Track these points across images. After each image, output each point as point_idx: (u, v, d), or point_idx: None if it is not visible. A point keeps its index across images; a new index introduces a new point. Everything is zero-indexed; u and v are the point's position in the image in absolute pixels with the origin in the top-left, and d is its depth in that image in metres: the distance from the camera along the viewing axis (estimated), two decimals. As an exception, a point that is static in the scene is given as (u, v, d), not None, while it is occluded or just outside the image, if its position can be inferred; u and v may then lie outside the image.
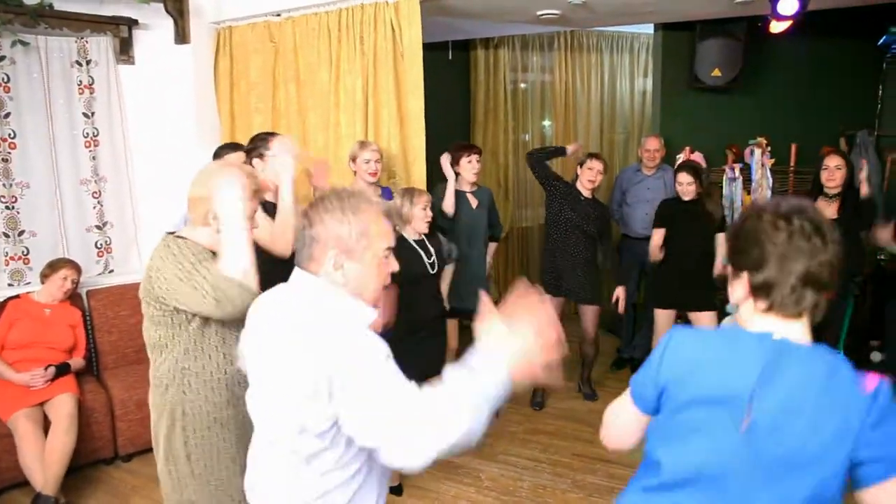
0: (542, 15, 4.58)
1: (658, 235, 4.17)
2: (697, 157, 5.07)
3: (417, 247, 3.32)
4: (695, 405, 1.29)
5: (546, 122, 6.50)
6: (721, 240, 4.06)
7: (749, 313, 1.33)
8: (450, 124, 5.91)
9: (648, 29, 5.92)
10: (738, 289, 1.34)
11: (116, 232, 4.31)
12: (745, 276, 1.31)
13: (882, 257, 4.97)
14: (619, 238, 5.13)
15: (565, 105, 6.36)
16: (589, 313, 4.36)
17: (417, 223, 3.28)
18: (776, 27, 4.69)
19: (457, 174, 4.04)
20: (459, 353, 4.01)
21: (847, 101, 5.83)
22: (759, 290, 1.29)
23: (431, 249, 3.39)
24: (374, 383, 1.34)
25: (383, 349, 1.39)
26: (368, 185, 3.62)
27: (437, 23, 4.76)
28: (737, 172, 5.20)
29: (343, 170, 3.88)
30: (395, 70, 3.80)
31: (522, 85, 6.41)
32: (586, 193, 4.25)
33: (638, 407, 1.42)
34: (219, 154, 3.43)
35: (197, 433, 2.05)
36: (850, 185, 3.86)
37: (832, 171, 3.82)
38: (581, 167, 4.27)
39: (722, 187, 5.20)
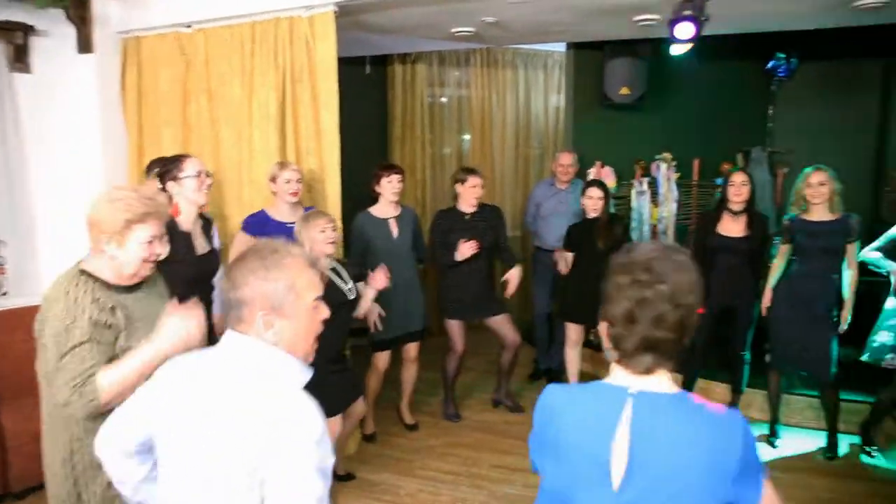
0: (457, 32, 4.67)
1: (565, 258, 4.37)
2: (608, 171, 5.28)
3: (331, 273, 3.23)
4: (571, 464, 1.33)
5: (466, 136, 6.59)
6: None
7: (613, 362, 1.38)
8: (367, 140, 5.91)
9: (561, 47, 6.14)
10: (603, 339, 1.39)
11: (11, 251, 4.06)
12: (604, 325, 1.37)
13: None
14: (533, 250, 5.27)
15: (482, 120, 6.49)
16: (504, 322, 4.43)
17: (319, 247, 3.13)
18: (677, 49, 4.96)
19: (378, 194, 4.03)
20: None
21: (743, 119, 6.24)
22: (616, 339, 1.35)
23: (345, 275, 3.33)
24: (300, 480, 1.30)
25: (317, 428, 1.34)
26: (290, 205, 3.58)
27: (353, 37, 4.77)
28: (645, 186, 5.45)
29: (257, 185, 3.82)
30: (310, 85, 3.78)
31: (440, 100, 6.49)
32: (470, 209, 4.27)
33: (537, 469, 1.45)
34: (150, 168, 3.34)
35: (87, 473, 1.94)
36: (752, 201, 4.10)
37: (738, 188, 4.01)
38: (462, 185, 4.27)
39: (631, 200, 5.44)
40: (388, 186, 4.01)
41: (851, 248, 3.84)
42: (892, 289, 3.95)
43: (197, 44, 4.01)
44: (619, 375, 1.36)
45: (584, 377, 4.46)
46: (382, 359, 4.11)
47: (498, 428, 4.38)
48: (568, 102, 5.80)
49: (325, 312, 1.53)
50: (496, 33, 4.78)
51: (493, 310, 4.37)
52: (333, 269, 3.26)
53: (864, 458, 4.02)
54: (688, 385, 4.45)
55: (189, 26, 4.03)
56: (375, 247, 3.99)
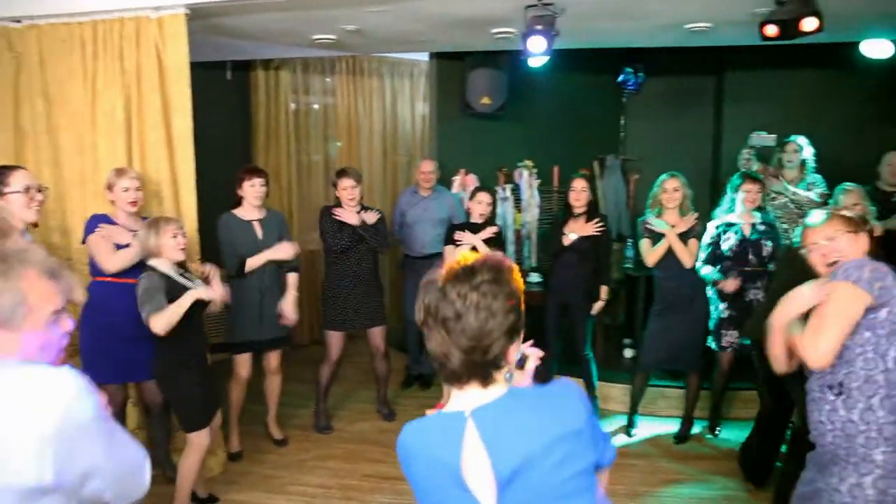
0: (319, 39, 4.62)
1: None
2: (471, 178, 5.41)
3: (181, 279, 3.12)
4: (444, 495, 1.32)
5: (338, 143, 6.51)
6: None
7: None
8: (229, 147, 5.71)
9: (426, 56, 6.23)
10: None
11: None
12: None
13: (628, 265, 5.66)
14: (402, 257, 5.30)
15: (349, 128, 6.45)
16: (379, 332, 4.43)
17: (170, 252, 3.07)
18: (534, 61, 5.18)
19: (240, 198, 3.91)
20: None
21: (598, 129, 6.62)
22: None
23: (196, 280, 3.23)
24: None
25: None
26: (129, 215, 3.38)
27: (211, 41, 4.59)
28: (508, 193, 5.64)
29: (104, 197, 3.57)
30: (160, 90, 3.59)
31: (306, 107, 6.38)
32: (353, 219, 4.21)
33: None
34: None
35: None
36: (595, 206, 4.36)
37: (578, 193, 4.32)
38: (336, 188, 4.26)
39: (495, 207, 5.60)
40: (251, 190, 3.90)
41: (693, 244, 4.16)
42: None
43: (28, 41, 3.68)
44: (455, 400, 1.36)
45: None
46: (244, 365, 3.98)
47: (370, 437, 4.35)
48: (432, 111, 5.90)
49: (67, 324, 1.42)
50: (358, 41, 4.77)
51: (377, 320, 4.37)
52: (183, 275, 3.15)
53: (710, 438, 4.39)
54: (543, 381, 4.63)
55: (18, 21, 3.69)
56: (239, 249, 3.87)
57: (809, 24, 3.24)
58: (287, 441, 4.28)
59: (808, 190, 4.68)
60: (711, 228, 4.17)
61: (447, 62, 5.71)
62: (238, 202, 3.96)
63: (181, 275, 3.13)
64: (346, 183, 4.19)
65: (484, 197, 4.34)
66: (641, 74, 6.57)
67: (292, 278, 4.07)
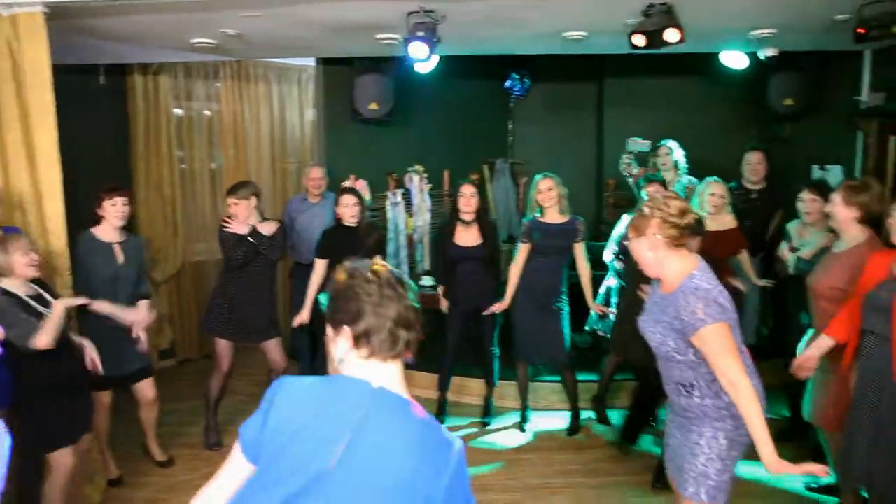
0: (197, 43, 4.45)
1: (321, 266, 4.29)
2: (361, 184, 5.38)
3: (34, 302, 2.95)
4: (293, 447, 1.36)
5: (231, 152, 6.29)
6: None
7: (351, 362, 1.45)
8: (105, 155, 5.39)
9: (314, 62, 6.15)
10: (341, 343, 1.45)
11: None
12: (346, 329, 1.43)
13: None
14: (292, 265, 5.21)
15: (235, 135, 6.25)
16: (275, 346, 4.30)
17: (22, 270, 2.90)
18: (421, 67, 5.25)
19: (101, 218, 3.66)
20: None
21: (487, 133, 6.77)
22: (361, 339, 1.42)
23: (49, 297, 3.04)
24: None
25: None
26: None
27: (81, 43, 4.32)
28: (399, 197, 5.66)
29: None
30: (17, 94, 3.33)
31: (192, 113, 6.13)
32: (251, 220, 4.12)
33: (247, 456, 1.43)
34: None
35: None
36: (484, 211, 4.45)
37: (468, 199, 4.36)
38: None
39: (386, 212, 5.61)
40: (112, 210, 3.64)
41: (579, 248, 4.33)
42: (616, 287, 4.54)
43: None
44: (360, 371, 1.43)
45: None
46: (102, 395, 3.69)
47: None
48: (319, 117, 5.83)
49: None
50: (240, 46, 4.64)
51: (267, 334, 4.23)
52: (37, 297, 2.98)
53: (599, 428, 4.58)
54: (443, 384, 4.71)
55: None
56: (97, 272, 3.59)
57: (672, 35, 3.46)
58: (173, 461, 4.08)
59: (686, 191, 4.97)
60: (624, 223, 4.42)
61: (334, 68, 5.67)
62: (98, 220, 3.69)
63: (36, 294, 2.97)
64: (229, 200, 4.11)
65: (349, 199, 4.27)
66: (527, 80, 6.77)
67: (143, 306, 3.80)
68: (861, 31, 3.47)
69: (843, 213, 3.12)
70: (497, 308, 4.38)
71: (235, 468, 1.44)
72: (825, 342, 3.02)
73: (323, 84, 5.71)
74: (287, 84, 6.60)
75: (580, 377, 4.62)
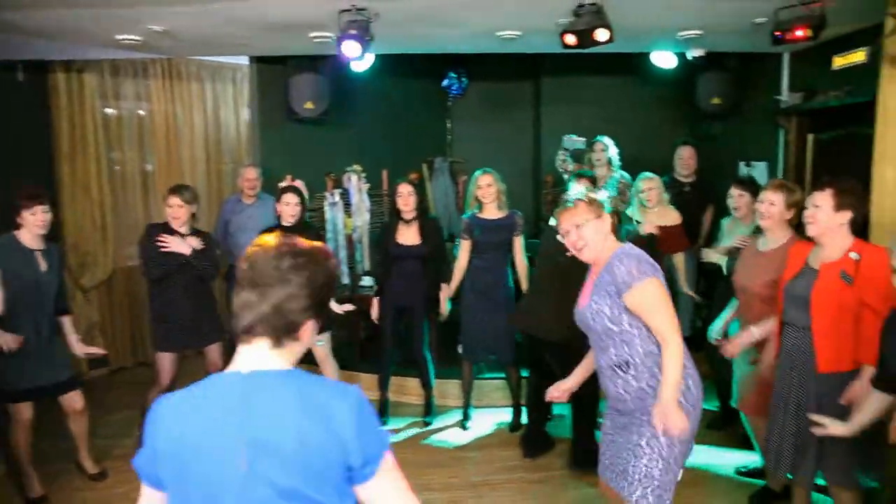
0: (123, 40, 4.30)
1: None
2: (299, 184, 5.29)
3: None
4: (196, 464, 1.31)
5: (164, 153, 6.08)
6: None
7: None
8: (25, 155, 5.16)
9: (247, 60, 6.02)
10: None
11: None
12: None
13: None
14: (227, 268, 5.09)
15: (167, 135, 6.06)
16: (216, 350, 4.17)
17: None
18: (357, 66, 5.20)
19: (19, 225, 3.48)
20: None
21: (426, 132, 6.78)
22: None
23: None
24: None
25: None
26: None
27: (-3, 39, 4.12)
28: (337, 198, 5.61)
29: None
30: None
31: (121, 112, 5.91)
32: (182, 229, 3.99)
33: (152, 486, 1.39)
34: None
35: None
36: (423, 208, 4.44)
37: (406, 198, 4.35)
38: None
39: (325, 212, 5.55)
40: (32, 219, 3.46)
41: (518, 241, 4.38)
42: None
43: None
44: (239, 358, 1.39)
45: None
46: (22, 409, 3.52)
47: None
48: (254, 116, 5.71)
49: None
50: (169, 43, 4.51)
51: (210, 338, 4.10)
52: None
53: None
54: (383, 384, 4.69)
55: None
56: (20, 279, 3.41)
57: (602, 34, 3.53)
58: (107, 474, 3.93)
59: (619, 186, 5.09)
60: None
61: (268, 66, 5.56)
62: (17, 227, 3.51)
63: None
64: (173, 201, 3.92)
65: (291, 198, 4.19)
66: (465, 79, 6.81)
67: (67, 322, 3.69)
68: (777, 33, 3.61)
69: (782, 214, 3.23)
70: (444, 296, 4.43)
71: (149, 499, 1.40)
72: (756, 332, 3.14)
73: (257, 83, 5.60)
74: (221, 83, 6.44)
75: (523, 373, 4.66)
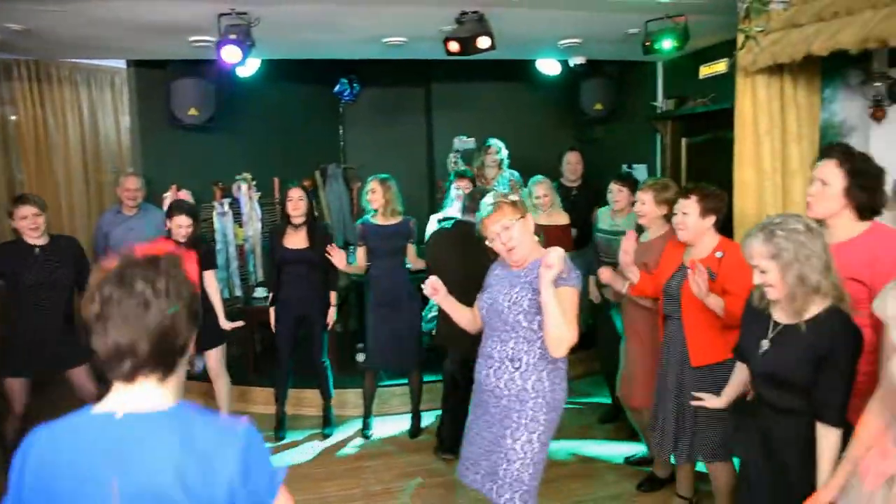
0: (-21, 40, 3.99)
1: None
2: (185, 194, 5.09)
3: None
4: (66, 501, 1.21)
5: (34, 162, 5.65)
6: (209, 276, 4.14)
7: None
8: None
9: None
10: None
11: None
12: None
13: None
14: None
15: (36, 143, 5.66)
16: (82, 373, 3.87)
17: None
18: (242, 71, 5.06)
19: None
20: None
21: (318, 139, 6.68)
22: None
23: None
24: None
25: None
26: None
27: None
28: (226, 207, 5.42)
29: None
30: None
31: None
32: (40, 242, 3.71)
33: None
34: None
35: None
36: (312, 214, 4.38)
37: (296, 203, 4.27)
38: (13, 218, 3.70)
39: (213, 222, 5.35)
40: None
41: (411, 248, 4.39)
42: None
43: None
44: (110, 399, 1.26)
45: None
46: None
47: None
48: (133, 123, 5.42)
49: None
50: (34, 44, 4.22)
51: (70, 361, 3.75)
52: None
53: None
54: (280, 397, 4.56)
55: None
56: None
57: (483, 42, 3.62)
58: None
59: (509, 184, 5.22)
60: (434, 222, 4.46)
61: (148, 71, 5.30)
62: None
63: None
64: (26, 211, 3.60)
65: (184, 220, 3.98)
66: (357, 85, 6.77)
67: None
68: (647, 43, 3.82)
69: (654, 210, 3.43)
70: (332, 304, 4.39)
71: None
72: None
73: (136, 88, 5.32)
74: (98, 87, 6.08)
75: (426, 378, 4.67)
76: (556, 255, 2.28)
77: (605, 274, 3.43)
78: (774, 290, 2.08)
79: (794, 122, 3.61)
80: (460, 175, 4.55)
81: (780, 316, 2.15)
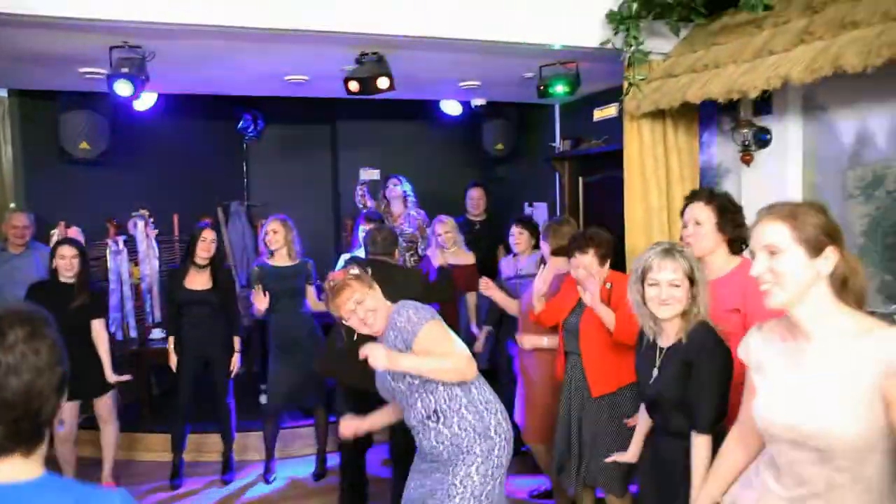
0: None
1: None
2: (74, 231, 4.86)
3: None
4: None
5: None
6: (97, 325, 3.95)
7: None
8: None
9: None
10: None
11: None
12: None
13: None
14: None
15: None
16: None
17: None
18: (139, 105, 4.92)
19: None
20: None
21: (221, 175, 6.53)
22: None
23: None
24: None
25: None
26: None
27: None
28: (121, 245, 5.19)
29: None
30: None
31: None
32: None
33: None
34: None
35: None
36: (220, 256, 4.28)
37: (209, 244, 4.15)
38: None
39: (107, 261, 5.11)
40: None
41: (311, 291, 4.35)
42: None
43: None
44: None
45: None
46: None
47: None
48: (17, 157, 5.11)
49: None
50: None
51: None
52: None
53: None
54: (177, 444, 4.35)
55: None
56: None
57: (383, 83, 3.69)
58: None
59: (417, 222, 5.27)
60: (342, 261, 4.45)
61: (33, 101, 5.02)
62: None
63: None
64: None
65: (67, 251, 3.82)
66: (261, 122, 6.70)
67: None
68: (541, 87, 4.02)
69: (545, 248, 3.59)
70: (236, 350, 4.27)
71: None
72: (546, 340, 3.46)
73: (19, 119, 5.02)
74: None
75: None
76: (377, 354, 2.27)
77: (527, 342, 3.53)
78: (678, 306, 2.17)
79: (677, 164, 3.88)
80: (368, 218, 4.58)
81: (665, 341, 2.26)
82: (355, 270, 2.52)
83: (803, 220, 1.56)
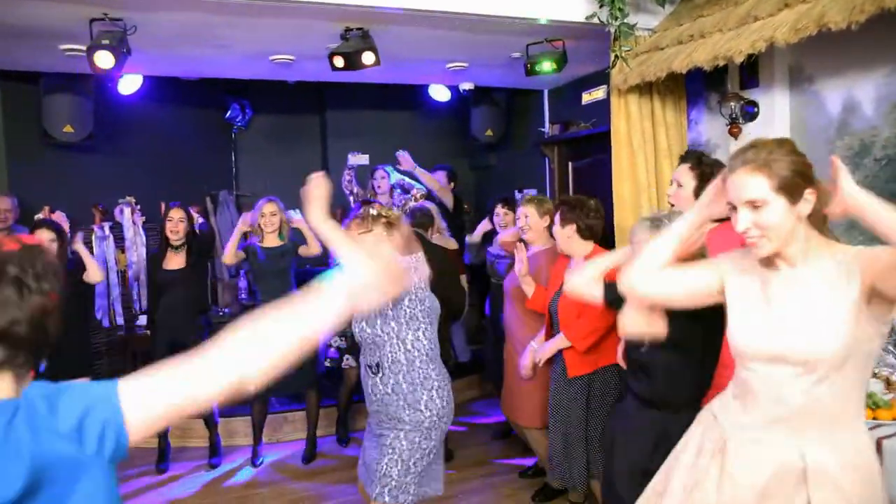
0: None
1: None
2: (59, 216, 4.79)
3: None
4: None
5: None
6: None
7: None
8: None
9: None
10: None
11: None
12: None
13: (244, 296, 5.60)
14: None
15: None
16: None
17: None
18: (124, 88, 4.88)
19: None
20: None
21: (209, 164, 6.48)
22: None
23: None
24: None
25: None
26: None
27: None
28: (107, 231, 5.14)
29: None
30: None
31: None
32: None
33: None
34: None
35: None
36: (194, 233, 4.25)
37: (176, 223, 4.13)
38: None
39: (92, 248, 5.06)
40: None
41: (310, 235, 4.29)
42: None
43: None
44: None
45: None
46: None
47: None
48: (0, 140, 5.07)
49: None
50: None
51: None
52: None
53: (337, 450, 4.57)
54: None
55: None
56: None
57: (368, 58, 3.66)
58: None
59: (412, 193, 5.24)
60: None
61: (16, 84, 4.95)
62: None
63: None
64: None
65: (45, 235, 3.66)
66: (249, 111, 6.65)
67: None
68: (528, 65, 4.00)
69: (538, 222, 3.53)
70: None
71: None
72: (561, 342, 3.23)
73: (1, 101, 4.96)
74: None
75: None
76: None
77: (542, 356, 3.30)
78: None
79: (665, 140, 3.87)
80: (365, 203, 4.55)
81: None
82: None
83: (779, 167, 1.54)
